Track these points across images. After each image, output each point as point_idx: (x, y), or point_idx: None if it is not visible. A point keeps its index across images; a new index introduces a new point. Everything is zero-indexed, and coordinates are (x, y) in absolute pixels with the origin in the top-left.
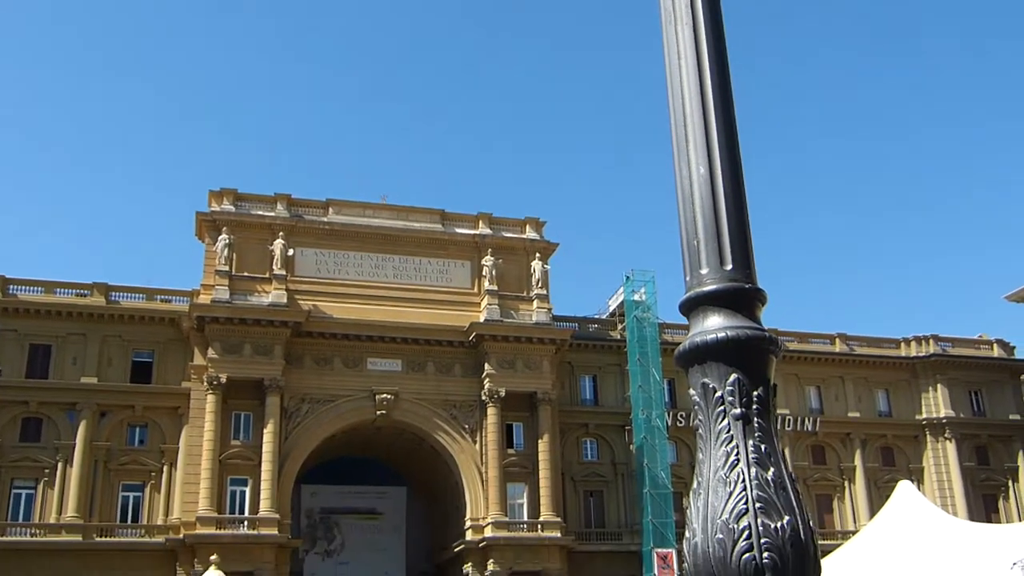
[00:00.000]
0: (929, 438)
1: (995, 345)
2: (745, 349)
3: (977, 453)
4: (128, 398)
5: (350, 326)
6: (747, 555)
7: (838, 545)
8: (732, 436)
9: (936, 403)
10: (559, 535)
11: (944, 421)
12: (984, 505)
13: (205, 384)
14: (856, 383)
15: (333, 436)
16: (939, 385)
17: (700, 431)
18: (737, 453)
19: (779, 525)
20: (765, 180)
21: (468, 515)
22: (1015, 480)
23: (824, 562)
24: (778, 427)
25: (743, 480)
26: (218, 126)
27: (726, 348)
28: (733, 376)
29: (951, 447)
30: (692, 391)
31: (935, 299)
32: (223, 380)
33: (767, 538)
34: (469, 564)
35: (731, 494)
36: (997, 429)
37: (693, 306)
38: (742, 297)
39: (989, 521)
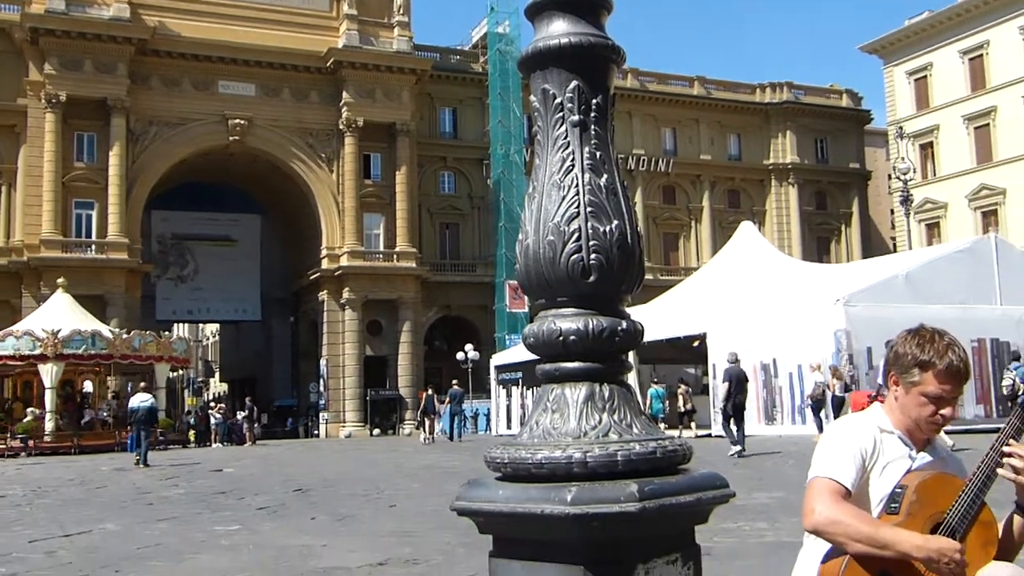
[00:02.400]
0: (774, 182)
1: (844, 95)
2: (587, 56)
3: (816, 198)
4: None
5: (200, 46)
6: (575, 256)
7: (682, 280)
8: (569, 142)
9: (783, 149)
10: (414, 265)
11: (789, 166)
12: (818, 247)
13: (43, 102)
14: (710, 126)
15: (184, 161)
16: (788, 132)
17: (538, 137)
18: (572, 159)
19: (608, 229)
20: None
21: (324, 244)
22: (848, 225)
23: (668, 294)
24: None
25: (576, 185)
26: None
27: (568, 54)
28: (573, 83)
29: (793, 192)
30: (533, 98)
31: (794, 48)
32: (62, 98)
33: (596, 240)
34: (325, 292)
35: (564, 198)
36: (837, 176)
37: (539, 10)
38: (587, 2)
39: (821, 262)
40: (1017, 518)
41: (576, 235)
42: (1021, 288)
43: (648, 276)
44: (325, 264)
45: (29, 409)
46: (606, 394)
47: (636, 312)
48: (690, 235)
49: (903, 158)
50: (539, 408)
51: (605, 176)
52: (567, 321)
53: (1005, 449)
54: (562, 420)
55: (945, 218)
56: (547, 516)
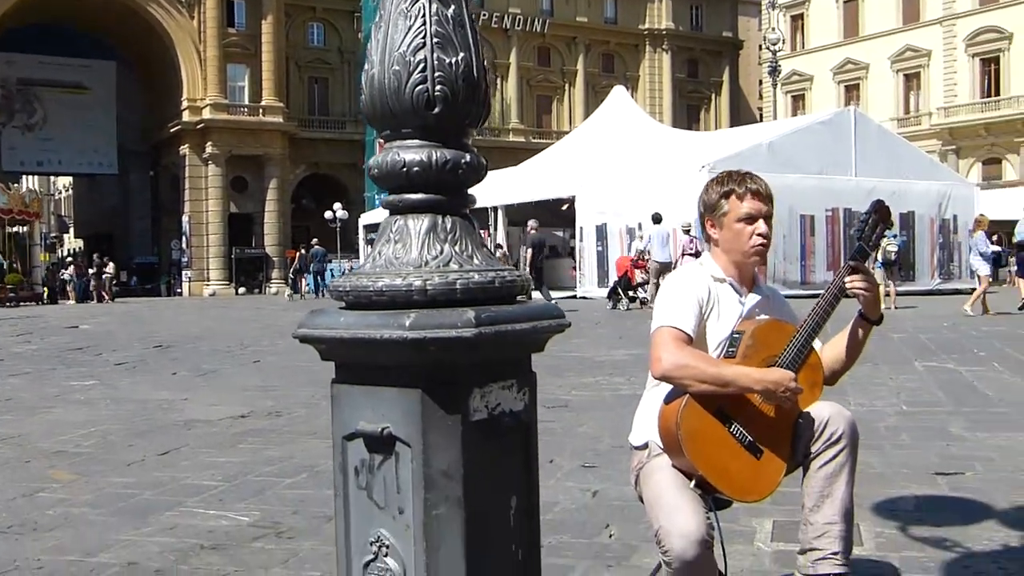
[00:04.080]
0: (648, 48)
1: None
2: None
3: (688, 66)
4: None
5: None
6: (420, 87)
7: (553, 143)
8: None
9: (659, 14)
10: (281, 120)
11: (664, 32)
12: (688, 115)
13: None
14: None
15: None
16: None
17: None
18: None
19: (454, 61)
20: None
21: (185, 96)
22: (718, 94)
23: (539, 156)
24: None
25: (423, 15)
26: None
27: None
28: None
29: (666, 58)
30: None
31: None
32: None
33: (441, 72)
34: (187, 146)
35: (410, 28)
36: (710, 44)
37: None
38: None
39: (690, 129)
40: (861, 325)
41: (421, 66)
42: (875, 161)
43: (520, 139)
44: (186, 117)
45: None
46: (448, 226)
47: (506, 174)
48: (563, 98)
49: (773, 28)
50: (382, 239)
51: (453, 7)
52: (411, 152)
53: (845, 280)
54: (404, 250)
55: (810, 90)
56: (386, 341)
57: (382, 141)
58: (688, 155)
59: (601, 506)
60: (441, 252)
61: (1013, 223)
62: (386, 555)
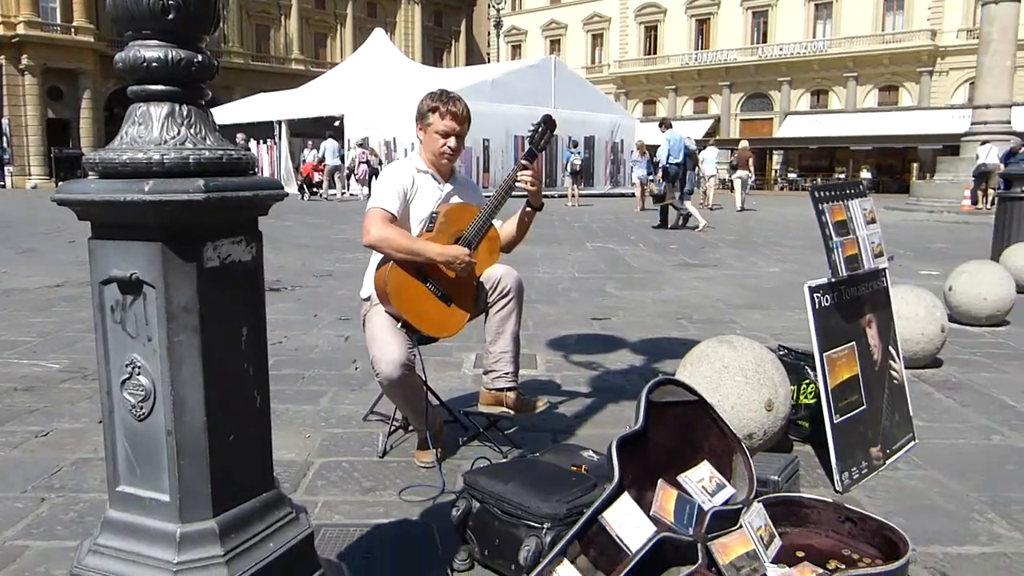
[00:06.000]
0: (403, 1)
1: None
2: None
3: (435, 16)
4: None
5: None
6: None
7: (326, 72)
8: None
9: None
10: (92, 40)
11: None
12: (434, 56)
13: None
14: None
15: None
16: None
17: None
18: None
19: None
20: None
21: (0, 12)
22: (457, 41)
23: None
24: None
25: None
26: None
27: None
28: None
29: (417, 9)
30: None
31: None
32: None
33: None
34: (3, 57)
35: None
36: (452, 1)
37: None
38: None
39: (435, 67)
40: (527, 212)
41: None
42: (568, 97)
43: (300, 67)
44: (2, 31)
45: None
46: (184, 112)
47: (289, 95)
48: (336, 36)
49: None
50: (128, 122)
51: None
52: (150, 51)
53: (518, 175)
54: (147, 131)
55: (525, 42)
56: (130, 202)
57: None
58: (432, 86)
59: (351, 348)
60: (178, 134)
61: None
62: (139, 374)
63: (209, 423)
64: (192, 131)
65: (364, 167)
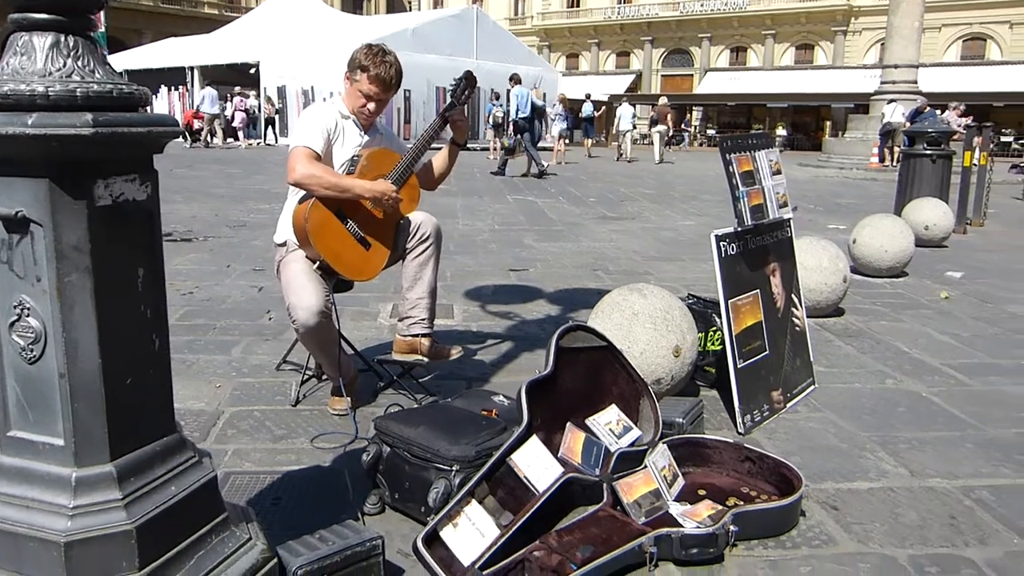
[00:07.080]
0: None
1: None
2: None
3: None
4: None
5: None
6: None
7: (241, 16)
8: None
9: None
10: None
11: None
12: (354, 3)
13: None
14: None
15: None
16: None
17: None
18: None
19: None
20: None
21: None
22: None
23: (230, 26)
24: None
25: None
26: None
27: None
28: None
29: None
30: None
31: None
32: None
33: None
34: None
35: None
36: None
37: None
38: None
39: (355, 14)
40: (452, 149)
41: None
42: (491, 49)
43: (214, 11)
44: None
45: None
46: (71, 43)
47: (201, 40)
48: None
49: None
50: (8, 52)
51: None
52: None
53: (447, 114)
54: (30, 62)
55: None
56: (12, 136)
57: None
58: (352, 35)
59: (265, 298)
60: (64, 65)
61: (582, 102)
62: (28, 316)
63: (104, 366)
64: (80, 63)
65: (242, 115)
